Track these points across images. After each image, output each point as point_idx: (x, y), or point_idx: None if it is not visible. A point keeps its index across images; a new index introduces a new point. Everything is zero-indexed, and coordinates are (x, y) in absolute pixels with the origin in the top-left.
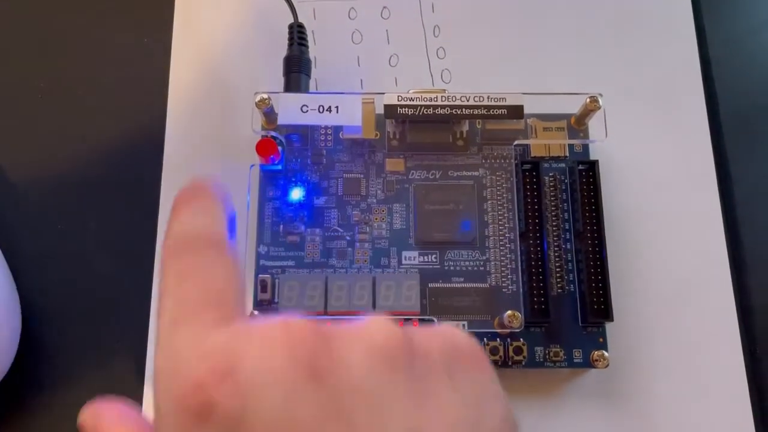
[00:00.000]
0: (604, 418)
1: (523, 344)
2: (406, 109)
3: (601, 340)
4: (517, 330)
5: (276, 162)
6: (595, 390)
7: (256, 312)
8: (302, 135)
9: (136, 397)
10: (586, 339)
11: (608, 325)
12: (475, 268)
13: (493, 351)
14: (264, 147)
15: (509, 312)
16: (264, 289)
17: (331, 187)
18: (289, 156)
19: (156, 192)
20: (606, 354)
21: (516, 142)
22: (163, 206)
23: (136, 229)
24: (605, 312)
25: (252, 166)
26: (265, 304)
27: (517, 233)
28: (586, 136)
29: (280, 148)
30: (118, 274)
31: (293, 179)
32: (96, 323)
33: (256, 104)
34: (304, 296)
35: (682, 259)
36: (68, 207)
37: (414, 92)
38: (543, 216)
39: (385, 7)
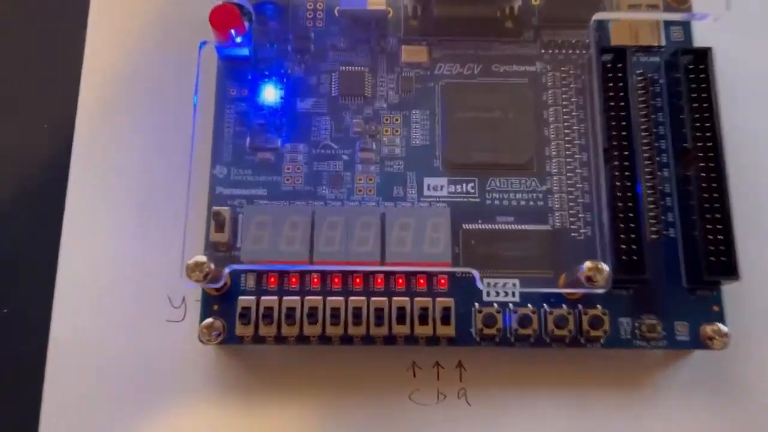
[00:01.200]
0: (716, 419)
1: (604, 313)
2: None
3: (716, 308)
4: (601, 291)
5: (240, 41)
6: (706, 379)
7: (204, 258)
8: (279, 7)
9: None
10: (694, 307)
11: (725, 289)
12: (532, 203)
13: (559, 322)
14: (221, 16)
15: (589, 263)
16: (220, 227)
17: (321, 85)
18: (260, 38)
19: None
20: (724, 329)
21: (594, 17)
22: (80, 126)
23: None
24: (727, 267)
25: (203, 43)
26: (221, 248)
27: (600, 152)
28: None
29: (246, 23)
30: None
31: (266, 72)
32: None
33: None
34: (279, 238)
35: None
36: None
37: None
38: (631, 129)
39: None
